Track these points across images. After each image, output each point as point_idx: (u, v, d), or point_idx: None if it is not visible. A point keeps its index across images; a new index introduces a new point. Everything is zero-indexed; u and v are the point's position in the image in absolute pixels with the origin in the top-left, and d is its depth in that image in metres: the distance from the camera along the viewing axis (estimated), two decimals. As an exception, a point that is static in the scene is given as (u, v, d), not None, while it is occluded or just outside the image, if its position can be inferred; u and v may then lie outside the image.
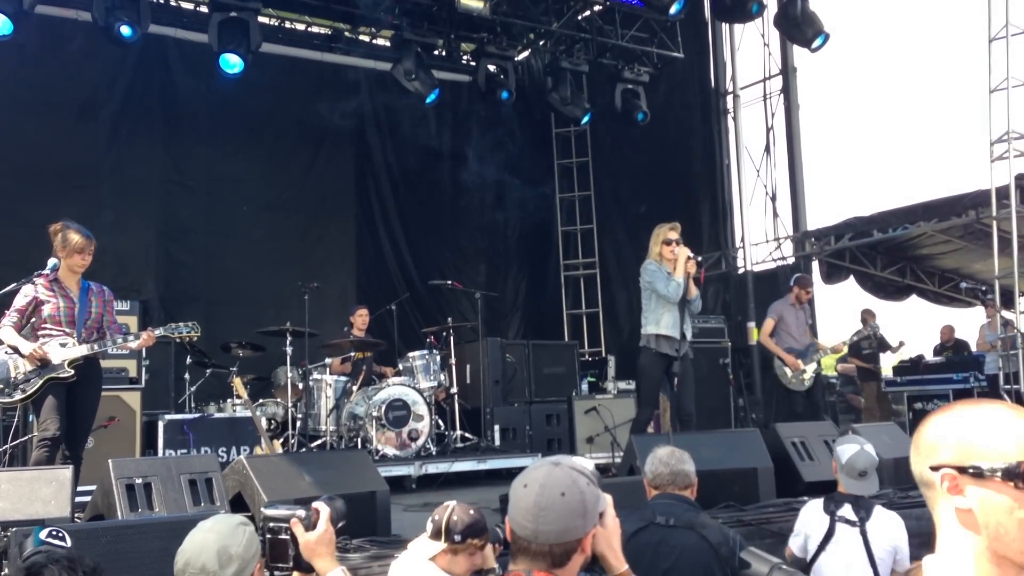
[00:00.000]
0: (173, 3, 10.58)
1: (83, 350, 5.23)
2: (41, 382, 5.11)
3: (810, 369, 8.25)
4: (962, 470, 1.34)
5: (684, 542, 3.39)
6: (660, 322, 6.48)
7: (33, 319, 5.27)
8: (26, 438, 5.91)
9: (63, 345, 5.20)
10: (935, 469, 1.36)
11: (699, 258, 6.57)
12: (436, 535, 2.86)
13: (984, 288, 10.36)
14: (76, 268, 5.35)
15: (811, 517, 4.06)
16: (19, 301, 5.23)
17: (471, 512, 2.90)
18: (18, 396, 5.10)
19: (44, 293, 5.25)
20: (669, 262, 6.49)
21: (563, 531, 1.91)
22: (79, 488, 4.54)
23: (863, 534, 3.86)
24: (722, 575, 3.34)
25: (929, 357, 11.02)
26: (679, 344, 6.34)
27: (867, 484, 4.04)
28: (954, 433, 1.36)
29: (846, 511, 3.93)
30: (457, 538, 2.82)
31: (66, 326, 5.27)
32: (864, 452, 4.08)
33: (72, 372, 5.20)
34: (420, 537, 2.95)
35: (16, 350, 5.10)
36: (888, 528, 3.93)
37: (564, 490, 1.92)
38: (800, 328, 8.48)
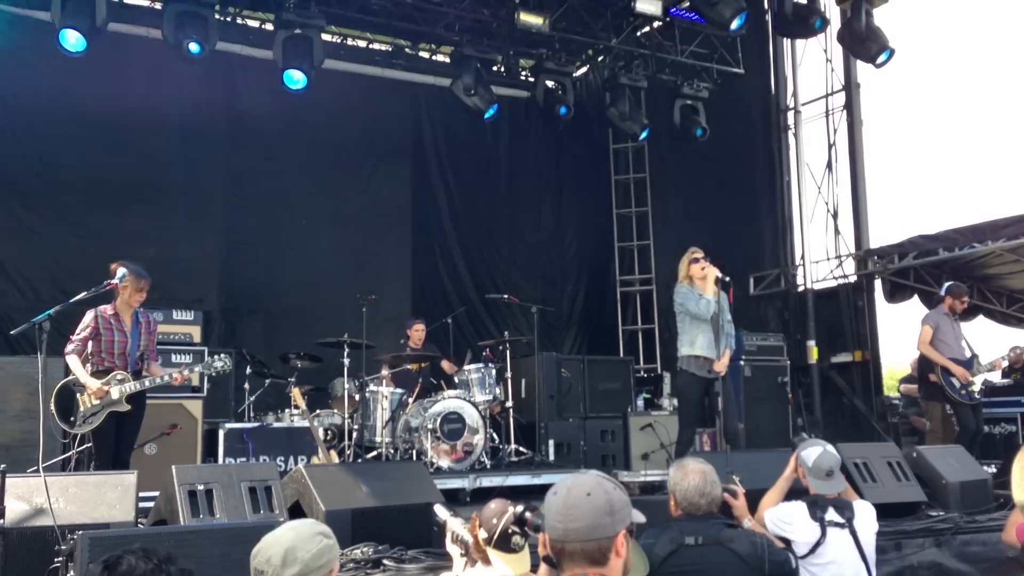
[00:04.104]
0: (240, 21, 10.81)
1: (136, 386, 5.88)
2: (105, 415, 5.78)
3: (978, 381, 7.74)
4: None
5: (716, 559, 3.45)
6: (695, 343, 6.55)
7: (90, 346, 5.88)
8: (91, 444, 6.09)
9: (120, 381, 5.84)
10: None
11: (727, 278, 6.49)
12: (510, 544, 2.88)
13: (1055, 310, 10.04)
14: (134, 303, 5.99)
15: (797, 520, 4.12)
16: (82, 330, 5.86)
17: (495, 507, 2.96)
18: (87, 428, 5.81)
19: (103, 325, 5.89)
20: (700, 281, 6.51)
21: (591, 527, 2.08)
22: (143, 494, 4.64)
23: (853, 533, 4.05)
24: None
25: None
26: (711, 364, 6.44)
27: (834, 483, 4.29)
28: None
29: (832, 515, 4.08)
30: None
31: (117, 359, 5.93)
32: (828, 453, 4.33)
33: (130, 406, 5.86)
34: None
35: (83, 384, 5.74)
36: (868, 520, 4.17)
37: (590, 491, 2.11)
38: (957, 340, 7.90)
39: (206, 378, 7.53)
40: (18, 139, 9.56)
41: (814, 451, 4.35)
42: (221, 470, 4.85)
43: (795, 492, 4.47)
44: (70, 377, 5.83)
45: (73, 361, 5.80)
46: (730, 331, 6.67)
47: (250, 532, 3.55)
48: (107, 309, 5.95)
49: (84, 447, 6.21)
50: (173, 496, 4.39)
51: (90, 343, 5.87)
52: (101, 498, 4.35)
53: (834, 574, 4.07)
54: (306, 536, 2.45)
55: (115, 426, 5.85)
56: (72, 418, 5.76)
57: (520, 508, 2.96)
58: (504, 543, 2.90)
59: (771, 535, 4.08)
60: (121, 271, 5.82)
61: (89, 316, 5.88)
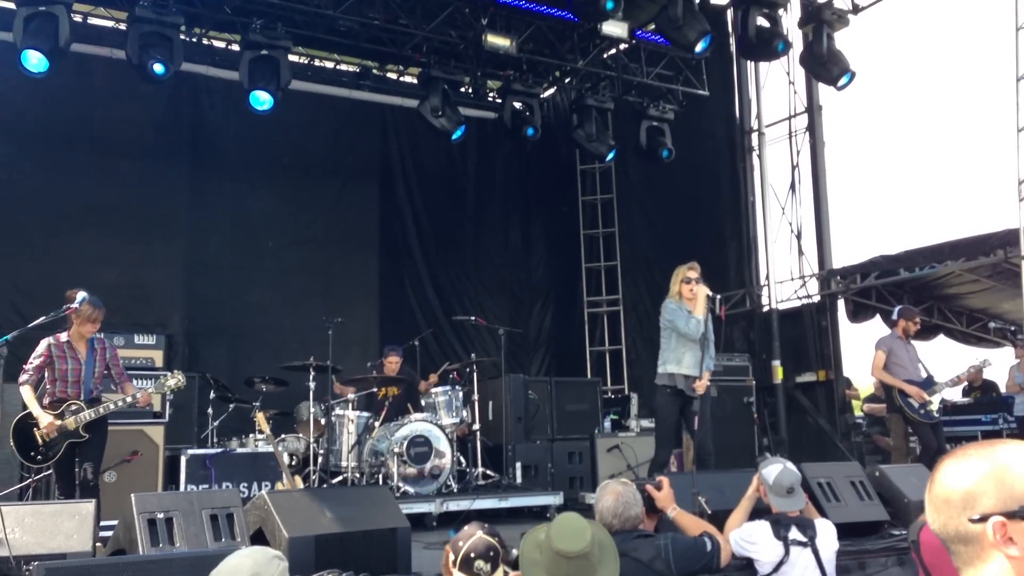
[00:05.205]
0: (205, 41, 10.75)
1: (92, 414, 5.82)
2: (64, 446, 5.79)
3: (936, 400, 7.80)
4: (1011, 515, 1.27)
5: (624, 571, 3.59)
6: (682, 362, 6.52)
7: (45, 374, 5.89)
8: (48, 472, 5.98)
9: (75, 412, 5.80)
10: (979, 521, 1.29)
11: (719, 296, 6.53)
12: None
13: (1013, 328, 10.20)
14: (86, 333, 5.99)
15: (760, 539, 4.23)
16: (35, 358, 5.86)
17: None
18: (48, 461, 5.79)
19: (55, 353, 5.90)
20: (689, 301, 6.50)
21: None
22: (102, 523, 4.55)
23: (815, 551, 4.16)
24: None
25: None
26: (693, 383, 6.48)
27: (795, 500, 4.38)
28: (991, 479, 1.30)
29: (795, 533, 4.19)
30: None
31: (71, 387, 5.92)
32: (788, 470, 4.42)
33: (87, 435, 5.84)
34: None
35: (35, 420, 5.72)
36: (830, 538, 4.30)
37: None
38: (912, 362, 7.96)
39: (168, 403, 7.43)
40: (-24, 159, 9.43)
41: (774, 468, 4.44)
42: (182, 497, 4.76)
43: (758, 511, 4.52)
44: (25, 411, 5.83)
45: (26, 393, 5.80)
46: (711, 352, 6.65)
47: (211, 561, 3.47)
48: (61, 336, 5.98)
49: (42, 475, 6.09)
50: (132, 525, 4.31)
51: (45, 371, 5.87)
52: (58, 528, 4.27)
53: None
54: (264, 562, 2.44)
55: (74, 454, 5.82)
56: (32, 452, 5.74)
57: (491, 539, 2.95)
58: (467, 567, 2.89)
59: (737, 555, 4.15)
60: (81, 295, 5.83)
61: (43, 345, 5.90)
